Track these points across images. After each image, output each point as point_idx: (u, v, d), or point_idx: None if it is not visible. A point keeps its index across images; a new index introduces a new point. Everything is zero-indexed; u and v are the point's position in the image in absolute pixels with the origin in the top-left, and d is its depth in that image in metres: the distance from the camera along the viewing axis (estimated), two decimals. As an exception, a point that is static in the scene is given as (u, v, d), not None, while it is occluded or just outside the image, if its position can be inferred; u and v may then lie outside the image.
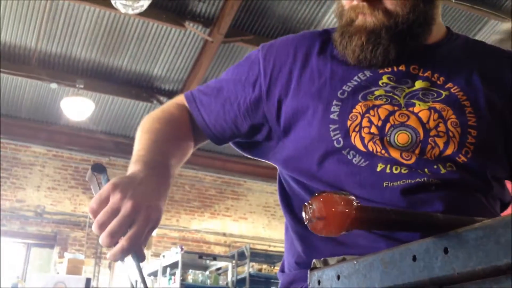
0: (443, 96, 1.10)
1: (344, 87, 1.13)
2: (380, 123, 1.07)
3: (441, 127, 1.06)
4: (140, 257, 0.95)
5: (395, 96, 1.10)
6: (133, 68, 8.29)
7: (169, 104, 1.34)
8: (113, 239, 0.92)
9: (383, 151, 1.04)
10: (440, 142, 1.04)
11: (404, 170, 1.02)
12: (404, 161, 1.03)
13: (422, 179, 1.01)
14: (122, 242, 0.92)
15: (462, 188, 1.03)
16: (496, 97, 1.13)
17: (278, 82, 1.20)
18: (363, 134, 1.06)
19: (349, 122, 1.08)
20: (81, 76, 8.29)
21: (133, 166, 1.06)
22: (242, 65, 1.29)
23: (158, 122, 1.24)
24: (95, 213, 0.94)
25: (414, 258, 0.60)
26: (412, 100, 1.09)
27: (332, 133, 1.09)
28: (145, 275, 0.83)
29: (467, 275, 0.53)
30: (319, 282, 0.78)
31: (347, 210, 0.63)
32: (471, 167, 1.05)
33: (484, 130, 1.08)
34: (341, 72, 1.16)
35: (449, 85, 1.13)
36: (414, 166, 1.02)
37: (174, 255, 8.51)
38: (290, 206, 1.21)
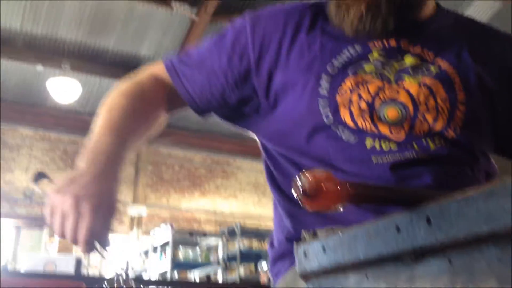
0: (433, 71, 1.10)
1: (333, 61, 1.12)
2: (369, 99, 1.06)
3: (431, 103, 1.06)
4: (104, 244, 0.99)
5: (385, 72, 1.10)
6: (120, 49, 8.22)
7: (143, 74, 1.30)
8: (76, 239, 0.96)
9: (372, 127, 1.04)
10: (429, 117, 1.05)
11: (393, 146, 1.03)
12: (393, 137, 1.03)
13: (411, 155, 1.01)
14: (79, 237, 0.96)
15: (450, 163, 1.04)
16: (485, 74, 1.14)
17: (267, 55, 1.18)
18: (352, 110, 1.06)
19: (338, 97, 1.08)
20: (67, 57, 8.21)
21: (83, 156, 1.06)
22: (227, 34, 1.25)
23: (125, 97, 1.21)
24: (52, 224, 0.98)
25: (398, 229, 0.60)
26: (402, 76, 1.09)
27: (321, 108, 1.09)
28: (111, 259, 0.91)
29: (449, 244, 0.53)
30: (305, 254, 0.79)
31: (336, 187, 0.65)
32: (459, 142, 1.05)
33: (473, 106, 1.09)
34: (331, 46, 1.15)
35: (439, 60, 1.12)
36: (403, 141, 1.03)
37: (164, 233, 8.54)
38: (278, 183, 1.21)
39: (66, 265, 5.91)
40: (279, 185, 1.21)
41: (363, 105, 1.06)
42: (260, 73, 1.18)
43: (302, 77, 1.13)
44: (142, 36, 7.87)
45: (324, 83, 1.10)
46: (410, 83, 1.08)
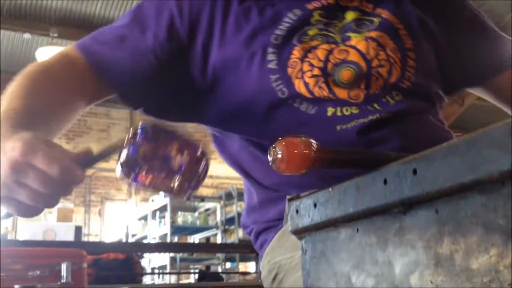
0: (376, 23, 1.09)
1: (276, 31, 1.07)
2: (321, 65, 1.03)
3: (382, 55, 1.04)
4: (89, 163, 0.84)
5: (330, 33, 1.07)
6: (107, 14, 8.11)
7: (54, 59, 1.08)
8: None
9: (330, 95, 1.01)
10: (383, 71, 1.03)
11: (355, 110, 1.00)
12: (353, 101, 1.01)
13: (375, 116, 0.99)
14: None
15: (412, 115, 1.03)
16: (426, 17, 1.14)
17: (199, 29, 1.09)
18: (306, 80, 1.02)
19: (289, 70, 1.03)
20: (54, 25, 8.11)
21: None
22: (147, 7, 1.12)
23: (29, 81, 0.98)
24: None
25: (385, 181, 0.61)
26: (347, 34, 1.07)
27: (274, 84, 1.03)
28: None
29: (435, 193, 0.54)
30: (297, 211, 0.80)
31: (306, 151, 0.69)
32: (416, 90, 1.05)
33: (421, 51, 1.09)
34: (270, 14, 1.08)
35: (379, 10, 1.11)
36: (363, 103, 1.01)
37: (162, 198, 8.61)
38: (245, 167, 1.14)
39: (65, 233, 5.97)
40: (247, 171, 1.13)
41: (317, 72, 1.03)
42: (193, 50, 1.09)
43: (244, 52, 1.06)
44: (128, 0, 7.76)
45: (272, 56, 1.05)
46: (357, 40, 1.05)
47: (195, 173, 0.80)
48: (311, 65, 1.03)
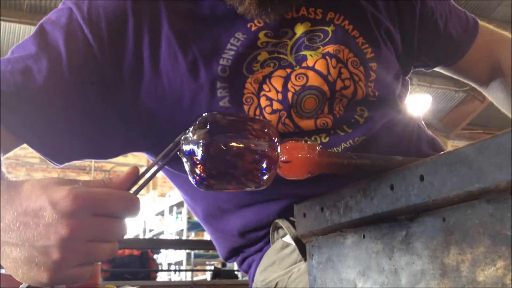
0: (330, 34, 0.96)
1: (221, 61, 0.91)
2: (280, 96, 0.91)
3: (344, 73, 0.94)
4: None
5: (281, 55, 0.94)
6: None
7: None
8: None
9: (296, 130, 0.91)
10: (348, 93, 0.94)
11: (324, 138, 0.93)
12: (321, 128, 0.92)
13: (348, 143, 0.92)
14: None
15: (385, 126, 0.98)
16: (381, 16, 1.03)
17: (123, 54, 0.89)
18: (267, 117, 0.90)
19: (246, 107, 0.91)
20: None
21: None
22: (50, 31, 0.89)
23: None
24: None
25: (392, 187, 0.59)
26: (302, 53, 0.94)
27: None
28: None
29: (442, 201, 0.52)
30: (304, 214, 0.79)
31: (309, 155, 0.66)
32: (380, 101, 0.98)
33: (382, 58, 1.00)
34: (209, 40, 0.92)
35: (330, 15, 0.98)
36: (332, 127, 0.93)
37: (179, 194, 8.64)
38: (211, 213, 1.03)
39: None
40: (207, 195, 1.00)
41: (277, 106, 0.91)
42: (118, 78, 0.89)
43: (186, 86, 0.90)
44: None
45: (222, 92, 0.90)
46: (313, 59, 0.93)
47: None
48: (269, 98, 0.91)
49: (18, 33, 8.02)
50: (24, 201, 0.59)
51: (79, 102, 0.88)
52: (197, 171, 0.63)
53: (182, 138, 0.64)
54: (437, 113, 9.54)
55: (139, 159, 10.40)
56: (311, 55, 0.94)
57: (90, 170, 10.27)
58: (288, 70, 0.92)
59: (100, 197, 0.59)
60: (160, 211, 9.52)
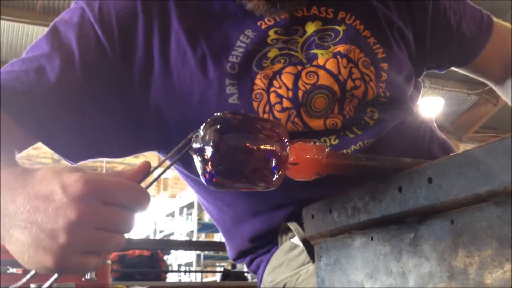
0: (341, 33, 0.96)
1: (230, 58, 0.91)
2: (290, 94, 0.90)
3: (355, 73, 0.93)
4: None
5: (292, 52, 0.93)
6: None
7: None
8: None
9: (305, 129, 0.90)
10: (358, 93, 0.93)
11: (334, 140, 0.92)
12: (331, 129, 0.92)
13: (358, 145, 0.91)
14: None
15: (395, 128, 0.96)
16: (393, 16, 1.02)
17: (134, 53, 0.91)
18: (276, 115, 0.89)
19: (255, 104, 0.90)
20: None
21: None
22: (63, 31, 0.90)
23: None
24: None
25: (400, 189, 0.59)
26: (312, 51, 0.94)
27: None
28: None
29: (450, 203, 0.52)
30: (312, 216, 0.79)
31: (318, 156, 0.66)
32: (391, 102, 0.97)
33: (393, 59, 0.99)
34: (218, 38, 0.92)
35: (341, 14, 0.97)
36: (342, 129, 0.92)
37: (190, 195, 8.66)
38: (224, 210, 1.03)
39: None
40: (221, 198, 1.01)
41: (287, 104, 0.90)
42: (129, 77, 0.91)
43: (195, 84, 0.90)
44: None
45: (231, 88, 0.90)
46: (324, 58, 0.93)
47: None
48: (279, 95, 0.90)
49: (31, 34, 8.07)
50: (37, 185, 0.59)
51: (92, 99, 0.89)
52: (207, 168, 0.63)
53: (194, 136, 0.64)
54: (449, 116, 9.49)
55: (150, 159, 10.42)
56: (322, 54, 0.93)
57: (102, 171, 10.30)
58: (299, 67, 0.91)
59: (110, 185, 0.59)
60: (171, 212, 9.55)
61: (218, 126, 0.62)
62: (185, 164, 0.96)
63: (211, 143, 0.62)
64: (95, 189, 0.58)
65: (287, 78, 0.91)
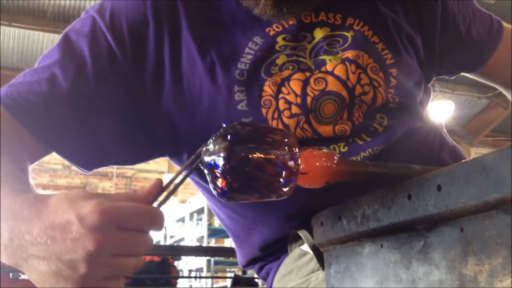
0: (349, 39, 0.96)
1: (239, 65, 0.91)
2: (299, 100, 0.90)
3: (364, 79, 0.93)
4: None
5: (300, 58, 0.93)
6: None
7: None
8: None
9: (314, 135, 0.90)
10: (367, 98, 0.93)
11: (343, 147, 0.91)
12: (339, 135, 0.91)
13: (367, 152, 0.91)
14: None
15: (405, 135, 0.96)
16: (401, 21, 1.01)
17: (145, 59, 0.92)
18: (285, 121, 0.89)
19: (264, 110, 0.90)
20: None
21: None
22: (75, 40, 0.92)
23: None
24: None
25: (409, 197, 0.59)
26: (321, 57, 0.94)
27: None
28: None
29: (460, 211, 0.52)
30: (321, 223, 0.79)
31: (327, 164, 0.66)
32: (400, 108, 0.96)
33: (402, 64, 0.98)
34: (226, 45, 0.93)
35: (349, 21, 0.97)
36: (350, 135, 0.91)
37: (200, 200, 8.67)
38: (233, 218, 1.04)
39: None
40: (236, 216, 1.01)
41: (295, 110, 0.90)
42: (141, 83, 0.92)
43: (206, 93, 0.91)
44: None
45: (240, 95, 0.90)
46: (333, 64, 0.93)
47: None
48: (288, 102, 0.90)
49: (42, 41, 8.14)
50: (52, 215, 0.60)
51: (104, 107, 0.90)
52: (219, 183, 0.63)
53: (203, 150, 0.64)
54: (460, 119, 9.45)
55: (160, 165, 10.46)
56: (330, 60, 0.93)
57: (112, 176, 10.35)
58: (307, 74, 0.92)
59: (126, 212, 0.60)
60: (181, 217, 9.57)
61: (228, 139, 0.62)
62: (198, 172, 0.97)
63: (222, 158, 0.61)
64: (111, 218, 0.58)
65: (295, 85, 0.91)
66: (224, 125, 0.64)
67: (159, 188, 0.65)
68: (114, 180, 10.30)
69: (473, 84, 8.51)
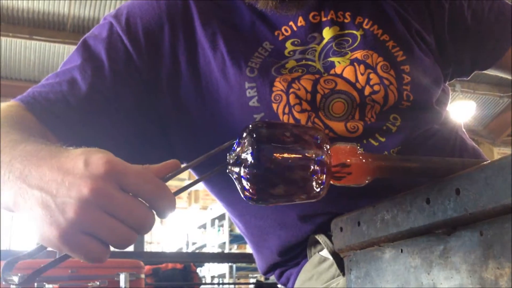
0: (358, 38, 0.96)
1: (249, 64, 0.93)
2: (309, 96, 0.90)
3: (374, 79, 0.92)
4: None
5: (309, 62, 0.94)
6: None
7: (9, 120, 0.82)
8: None
9: (325, 130, 0.89)
10: (379, 97, 0.92)
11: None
12: (352, 135, 0.90)
13: (384, 153, 0.90)
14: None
15: (423, 136, 0.94)
16: (411, 18, 1.00)
17: (161, 59, 0.94)
18: (296, 115, 0.89)
19: (274, 106, 0.90)
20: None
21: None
22: (93, 44, 0.95)
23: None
24: None
25: (428, 201, 0.59)
26: (330, 59, 0.94)
27: None
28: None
29: (479, 215, 0.52)
30: (341, 229, 0.79)
31: (369, 159, 0.64)
32: (415, 106, 0.95)
33: (415, 60, 0.97)
34: (237, 45, 0.94)
35: (359, 19, 0.97)
36: (363, 136, 0.90)
37: (221, 207, 8.68)
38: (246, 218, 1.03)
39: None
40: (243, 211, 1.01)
41: (306, 106, 0.89)
42: (158, 83, 0.94)
43: (223, 90, 0.92)
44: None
45: (251, 92, 0.91)
46: (341, 66, 0.92)
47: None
48: (298, 97, 0.90)
49: (62, 53, 8.25)
50: (63, 158, 0.59)
51: (120, 107, 0.92)
52: (247, 187, 0.60)
53: (229, 154, 0.62)
54: (481, 119, 9.34)
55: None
56: (339, 62, 0.93)
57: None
58: (317, 76, 0.92)
59: (132, 171, 0.57)
60: (202, 224, 9.59)
61: (255, 140, 0.59)
62: (214, 178, 0.97)
63: (250, 159, 0.59)
64: (115, 171, 0.56)
65: (306, 82, 0.91)
66: (250, 126, 0.61)
67: (174, 167, 0.61)
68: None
69: (494, 84, 8.41)
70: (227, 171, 0.62)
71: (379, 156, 0.67)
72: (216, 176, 0.91)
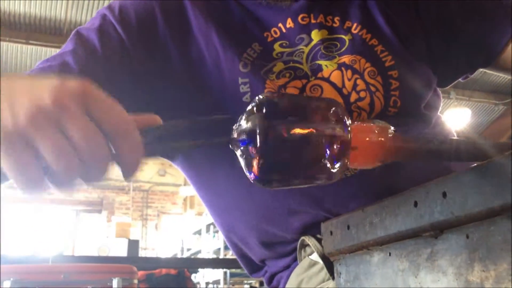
0: (346, 43, 0.96)
1: (242, 59, 0.94)
2: None
3: (360, 85, 0.92)
4: None
5: (297, 64, 0.94)
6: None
7: None
8: None
9: None
10: (364, 104, 0.92)
11: None
12: None
13: None
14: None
15: None
16: (399, 21, 0.99)
17: (152, 55, 0.95)
18: None
19: None
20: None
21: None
22: (87, 34, 0.94)
23: None
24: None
25: (416, 204, 0.59)
26: (317, 62, 0.94)
27: None
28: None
29: (465, 218, 0.52)
30: (331, 232, 0.79)
31: (382, 139, 0.58)
32: (403, 113, 0.94)
33: (403, 65, 0.96)
34: (229, 42, 0.95)
35: (347, 24, 0.97)
36: None
37: (216, 213, 8.67)
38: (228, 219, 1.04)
39: (121, 249, 6.10)
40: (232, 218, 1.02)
41: None
42: (151, 74, 0.95)
43: (214, 86, 0.94)
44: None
45: (244, 87, 0.92)
46: (329, 70, 0.93)
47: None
48: None
49: (58, 57, 8.21)
50: (50, 77, 0.53)
51: (114, 92, 0.91)
52: (255, 165, 0.53)
53: (234, 127, 0.55)
54: (476, 127, 9.37)
55: (176, 178, 10.49)
56: (326, 66, 0.94)
57: (129, 190, 10.39)
58: (304, 81, 0.93)
59: (105, 100, 0.52)
60: (197, 230, 9.57)
61: (263, 112, 0.52)
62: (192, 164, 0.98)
63: (258, 134, 0.52)
64: (87, 93, 0.51)
65: (292, 91, 0.92)
66: (258, 97, 0.55)
67: (150, 121, 0.56)
68: (131, 193, 10.34)
69: (489, 91, 8.44)
70: (231, 146, 0.56)
71: (401, 137, 0.61)
72: (206, 169, 0.94)
